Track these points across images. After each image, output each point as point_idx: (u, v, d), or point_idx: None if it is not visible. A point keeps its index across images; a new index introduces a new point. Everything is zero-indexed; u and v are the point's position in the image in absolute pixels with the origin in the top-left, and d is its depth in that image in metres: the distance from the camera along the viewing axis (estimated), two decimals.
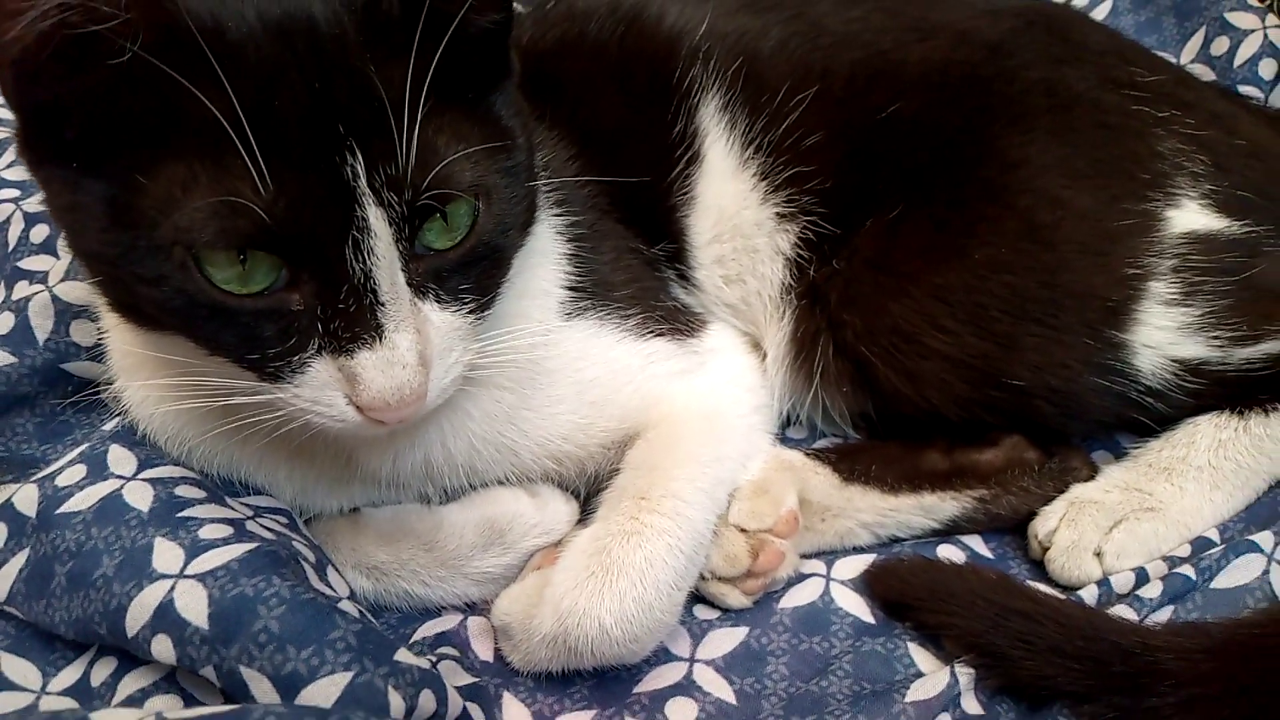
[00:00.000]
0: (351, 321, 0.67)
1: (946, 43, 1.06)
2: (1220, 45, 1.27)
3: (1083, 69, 1.04)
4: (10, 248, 1.14)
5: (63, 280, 0.99)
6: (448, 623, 0.91)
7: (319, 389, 0.70)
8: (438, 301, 0.71)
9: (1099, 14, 1.41)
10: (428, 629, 0.90)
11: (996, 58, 1.04)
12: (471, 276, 0.73)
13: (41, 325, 0.96)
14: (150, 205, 0.65)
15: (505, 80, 0.78)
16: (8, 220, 1.17)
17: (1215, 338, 0.93)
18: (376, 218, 0.66)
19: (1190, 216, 0.95)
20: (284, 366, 0.69)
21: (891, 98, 1.02)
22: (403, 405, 0.69)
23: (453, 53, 0.68)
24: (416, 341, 0.69)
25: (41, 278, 1.02)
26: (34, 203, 1.19)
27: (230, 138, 0.61)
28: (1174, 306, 0.93)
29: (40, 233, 1.14)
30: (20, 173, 1.26)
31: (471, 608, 0.93)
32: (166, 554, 0.76)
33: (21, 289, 1.09)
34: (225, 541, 0.77)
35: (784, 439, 1.09)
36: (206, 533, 0.78)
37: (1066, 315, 0.93)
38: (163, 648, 0.72)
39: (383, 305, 0.68)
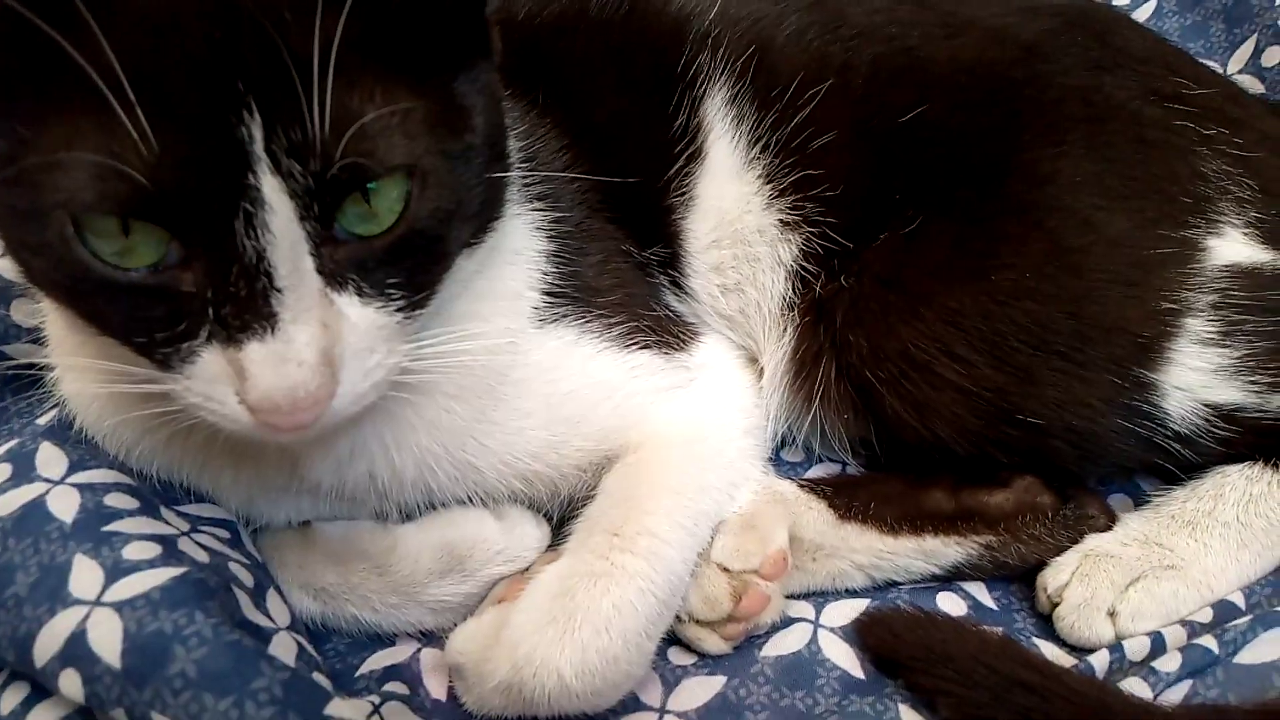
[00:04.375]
0: (242, 308, 0.59)
1: (977, 41, 0.97)
2: (1272, 56, 1.18)
3: (1124, 77, 0.95)
4: None
5: (5, 255, 0.91)
6: (400, 654, 0.84)
7: (209, 382, 0.61)
8: (358, 295, 0.62)
9: (1141, 14, 1.33)
10: (377, 661, 0.83)
11: (1031, 60, 0.96)
12: (402, 270, 0.64)
13: None
14: (33, 164, 0.57)
15: (480, 60, 0.69)
16: None
17: (1253, 382, 0.86)
18: (273, 189, 0.57)
19: (1233, 247, 0.87)
20: (173, 354, 0.61)
21: (915, 99, 0.94)
22: (296, 410, 0.60)
23: (401, 15, 0.60)
24: (321, 337, 0.60)
25: None
26: None
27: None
28: (1211, 346, 0.85)
29: None
30: None
31: (428, 636, 0.85)
32: (85, 575, 0.69)
33: None
34: (150, 564, 0.70)
35: (777, 461, 1.01)
36: (131, 551, 0.71)
37: (1092, 350, 0.85)
38: (71, 683, 0.65)
39: (279, 291, 0.59)
